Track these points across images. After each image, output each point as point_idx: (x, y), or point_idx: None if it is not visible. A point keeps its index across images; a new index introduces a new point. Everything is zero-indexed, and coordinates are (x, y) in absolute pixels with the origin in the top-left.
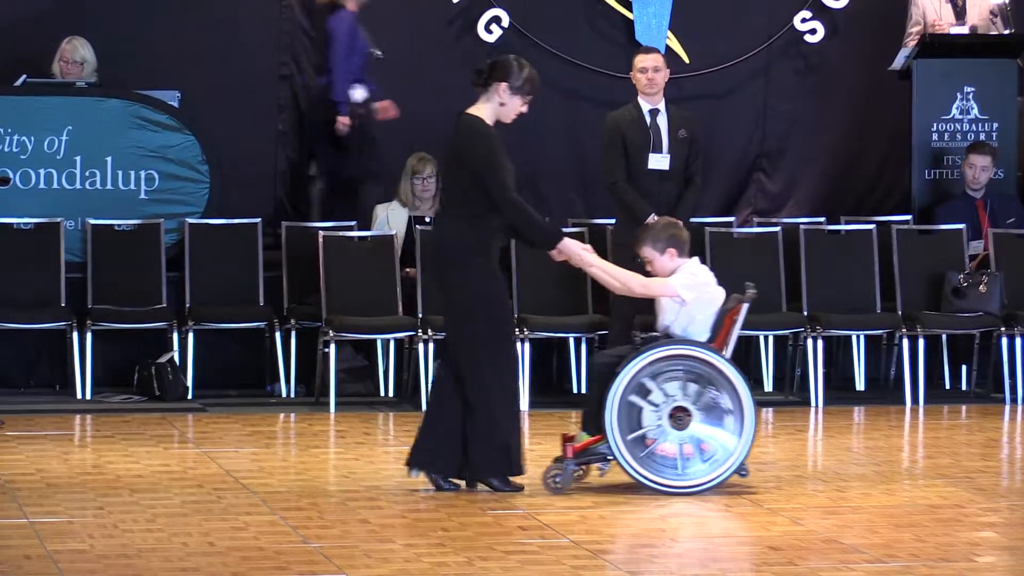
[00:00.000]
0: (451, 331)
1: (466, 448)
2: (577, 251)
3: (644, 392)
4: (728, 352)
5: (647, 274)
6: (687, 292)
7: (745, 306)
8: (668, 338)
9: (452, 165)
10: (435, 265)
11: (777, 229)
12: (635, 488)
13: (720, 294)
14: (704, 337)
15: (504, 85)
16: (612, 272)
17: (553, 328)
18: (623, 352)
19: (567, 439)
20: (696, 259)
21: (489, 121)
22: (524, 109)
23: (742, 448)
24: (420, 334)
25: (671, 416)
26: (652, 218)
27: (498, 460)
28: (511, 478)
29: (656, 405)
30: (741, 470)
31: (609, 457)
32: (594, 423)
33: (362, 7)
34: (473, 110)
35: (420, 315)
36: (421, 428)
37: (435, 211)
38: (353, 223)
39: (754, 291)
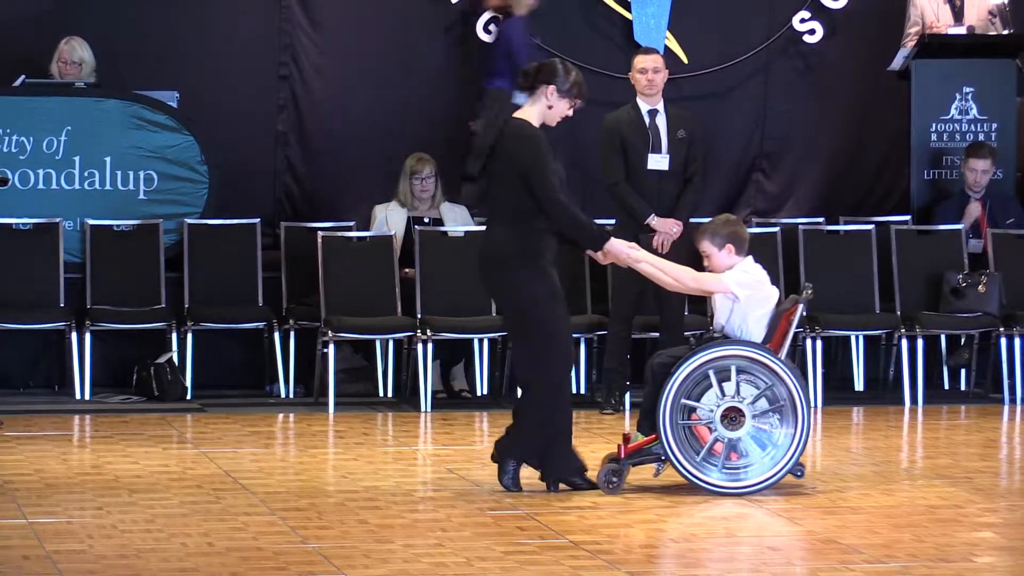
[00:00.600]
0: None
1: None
2: (624, 250)
3: (689, 412)
4: (783, 353)
5: (701, 269)
6: (740, 289)
7: (801, 306)
8: (724, 338)
9: (502, 169)
10: (484, 270)
11: (776, 229)
12: (635, 488)
13: (774, 293)
14: (760, 337)
15: (552, 88)
16: (664, 268)
17: None
18: (679, 353)
19: (625, 439)
20: (751, 257)
21: (535, 123)
22: (570, 113)
23: (796, 447)
24: (419, 334)
25: (724, 416)
26: (652, 219)
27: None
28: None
29: (705, 419)
30: (796, 470)
31: (663, 458)
32: (649, 423)
33: (531, 12)
34: (520, 113)
35: (419, 315)
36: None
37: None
38: (352, 223)
39: (811, 291)
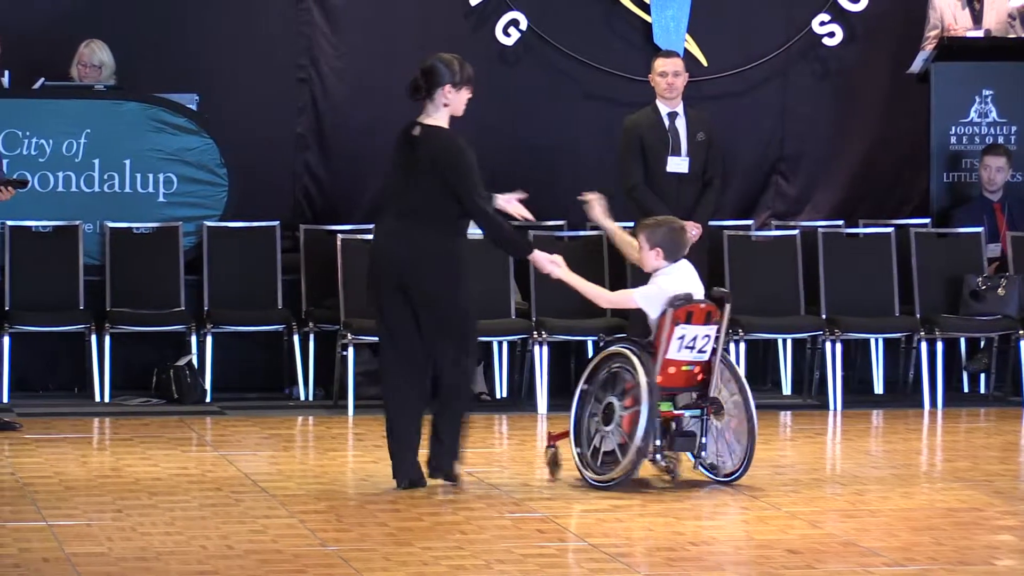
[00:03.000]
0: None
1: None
2: (546, 264)
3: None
4: (662, 351)
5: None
6: (645, 302)
7: (670, 311)
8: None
9: (424, 174)
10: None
11: (795, 232)
12: (653, 491)
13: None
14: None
15: (447, 87)
16: (581, 287)
17: (571, 331)
18: None
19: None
20: (683, 263)
21: (447, 126)
22: (470, 95)
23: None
24: None
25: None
26: None
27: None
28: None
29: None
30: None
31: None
32: None
33: None
34: (431, 121)
35: None
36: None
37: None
38: (371, 226)
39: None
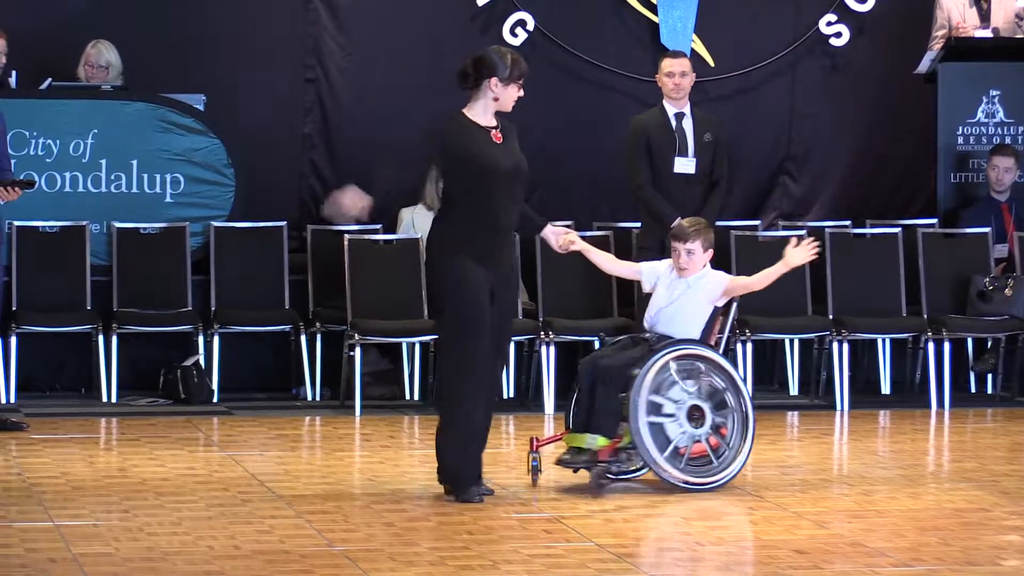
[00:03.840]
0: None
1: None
2: (559, 235)
3: (657, 409)
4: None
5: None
6: (645, 277)
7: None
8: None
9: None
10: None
11: (802, 232)
12: (660, 491)
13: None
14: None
15: (494, 79)
16: (590, 254)
17: (578, 331)
18: (620, 356)
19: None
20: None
21: (481, 119)
22: (521, 93)
23: (747, 444)
24: None
25: (689, 419)
26: (677, 222)
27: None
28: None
29: (672, 415)
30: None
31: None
32: (593, 422)
33: None
34: (466, 110)
35: None
36: None
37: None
38: (378, 226)
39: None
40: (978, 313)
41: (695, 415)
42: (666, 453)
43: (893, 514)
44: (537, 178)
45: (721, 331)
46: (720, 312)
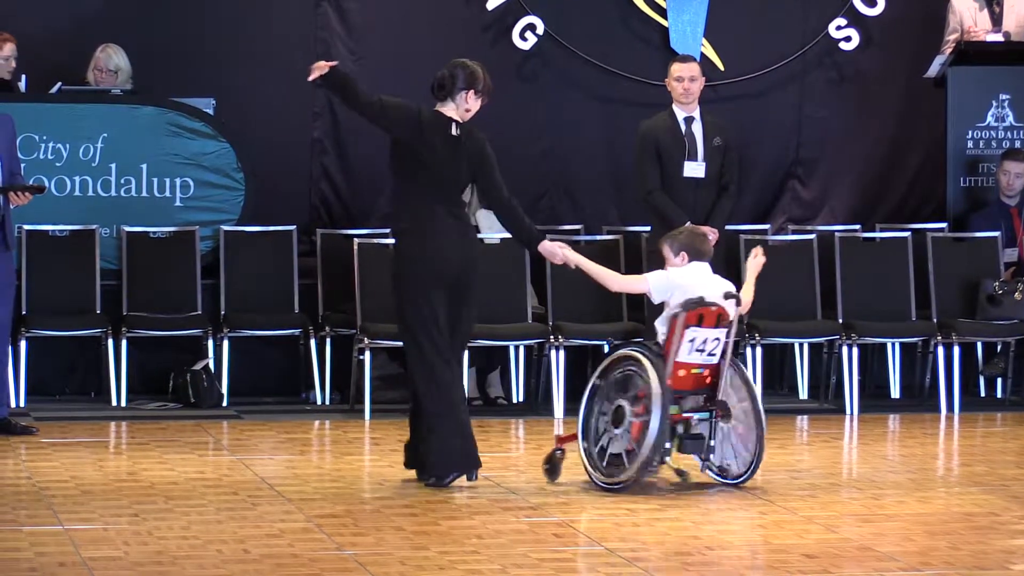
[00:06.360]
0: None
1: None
2: (556, 251)
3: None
4: (673, 354)
5: (738, 278)
6: (656, 288)
7: (682, 314)
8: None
9: (465, 173)
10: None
11: (812, 237)
12: (670, 495)
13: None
14: (663, 335)
15: (471, 92)
16: (592, 270)
17: (587, 335)
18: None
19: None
20: (695, 264)
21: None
22: (484, 103)
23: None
24: None
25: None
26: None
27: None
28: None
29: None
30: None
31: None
32: None
33: None
34: (455, 116)
35: None
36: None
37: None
38: (388, 230)
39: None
40: (988, 317)
41: (617, 414)
42: (596, 448)
43: (903, 518)
44: (544, 181)
45: (728, 336)
46: (673, 316)
